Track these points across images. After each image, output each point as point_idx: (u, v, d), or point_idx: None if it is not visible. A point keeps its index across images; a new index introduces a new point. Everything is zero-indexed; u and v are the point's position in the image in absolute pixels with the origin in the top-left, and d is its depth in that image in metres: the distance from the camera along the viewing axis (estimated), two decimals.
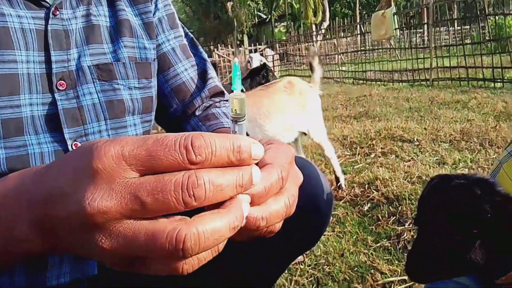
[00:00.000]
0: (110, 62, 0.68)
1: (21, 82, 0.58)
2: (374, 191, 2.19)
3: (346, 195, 2.20)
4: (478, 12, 6.39)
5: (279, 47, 14.84)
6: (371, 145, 3.10)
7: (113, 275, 0.69)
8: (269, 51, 9.50)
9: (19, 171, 0.35)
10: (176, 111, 0.81)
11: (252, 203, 0.30)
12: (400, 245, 1.65)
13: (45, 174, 0.31)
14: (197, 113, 0.81)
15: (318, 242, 1.71)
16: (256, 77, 4.43)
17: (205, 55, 0.85)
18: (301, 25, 22.69)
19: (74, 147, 0.63)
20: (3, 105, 0.56)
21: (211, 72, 0.84)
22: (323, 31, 14.63)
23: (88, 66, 0.65)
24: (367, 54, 10.31)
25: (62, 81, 0.62)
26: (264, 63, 4.41)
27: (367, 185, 2.29)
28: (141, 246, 0.27)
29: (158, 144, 0.26)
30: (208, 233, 0.26)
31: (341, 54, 10.11)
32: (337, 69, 9.41)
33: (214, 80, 0.83)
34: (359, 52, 10.55)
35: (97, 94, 0.66)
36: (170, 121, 0.83)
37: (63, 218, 0.28)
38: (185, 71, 0.80)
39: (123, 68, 0.69)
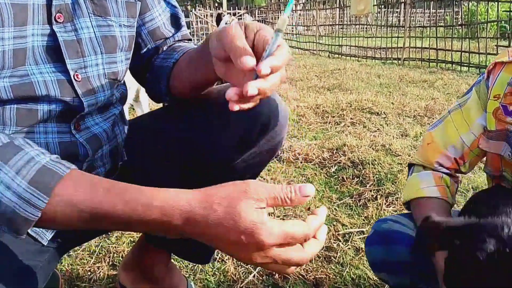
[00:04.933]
0: None
1: (29, 12, 0.60)
2: (341, 155, 2.36)
3: (316, 158, 2.35)
4: None
5: (258, 14, 14.59)
6: (342, 115, 3.26)
7: (138, 162, 0.88)
8: (248, 17, 9.34)
9: (160, 200, 0.50)
10: (148, 51, 0.87)
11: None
12: (360, 203, 1.82)
13: (201, 219, 0.49)
14: (164, 48, 0.87)
15: None
16: None
17: (174, 2, 0.90)
18: None
19: (76, 78, 0.67)
20: (16, 35, 0.59)
21: (183, 21, 0.92)
22: (303, 1, 14.51)
23: (84, 0, 0.68)
24: (344, 29, 10.39)
25: (60, 14, 0.64)
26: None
27: (335, 150, 2.45)
28: (277, 268, 0.53)
29: (292, 238, 0.50)
30: (311, 257, 0.52)
31: (319, 27, 10.12)
32: (314, 41, 9.47)
33: (185, 28, 0.92)
34: (337, 26, 10.60)
35: (93, 28, 0.69)
36: (139, 62, 0.88)
37: (221, 244, 0.50)
38: (159, 16, 0.86)
39: (115, 5, 0.73)
